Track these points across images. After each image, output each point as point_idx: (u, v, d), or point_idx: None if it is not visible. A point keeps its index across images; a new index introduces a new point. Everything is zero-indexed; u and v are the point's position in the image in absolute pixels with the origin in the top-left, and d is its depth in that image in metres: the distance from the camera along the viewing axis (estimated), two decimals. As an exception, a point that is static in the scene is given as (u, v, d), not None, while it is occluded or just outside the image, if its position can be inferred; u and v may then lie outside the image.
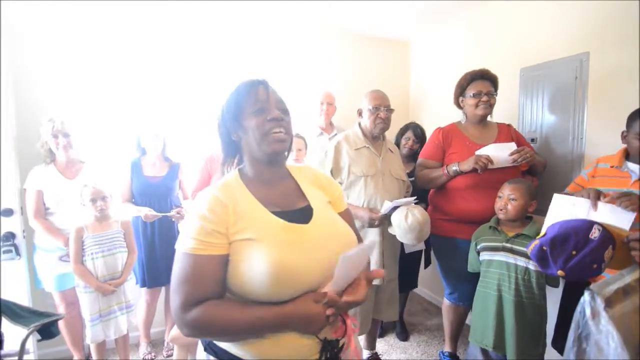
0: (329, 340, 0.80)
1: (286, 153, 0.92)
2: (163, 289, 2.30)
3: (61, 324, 1.96)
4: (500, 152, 1.80)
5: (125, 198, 2.18)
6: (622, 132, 1.50)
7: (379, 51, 3.13)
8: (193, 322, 0.72)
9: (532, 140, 2.14)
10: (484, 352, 1.72)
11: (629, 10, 1.66)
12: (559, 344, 1.62)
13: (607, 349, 0.71)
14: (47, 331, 1.57)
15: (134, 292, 2.07)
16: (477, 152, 1.82)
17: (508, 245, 1.62)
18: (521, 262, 1.58)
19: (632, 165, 1.43)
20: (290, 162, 1.00)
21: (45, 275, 1.98)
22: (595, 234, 0.94)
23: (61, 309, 2.00)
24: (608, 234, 0.95)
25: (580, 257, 0.94)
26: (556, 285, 1.61)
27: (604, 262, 0.93)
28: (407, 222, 1.65)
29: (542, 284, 1.60)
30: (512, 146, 1.81)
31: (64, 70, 2.22)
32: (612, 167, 1.47)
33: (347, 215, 0.99)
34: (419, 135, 2.49)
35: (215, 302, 0.74)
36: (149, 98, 2.43)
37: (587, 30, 1.85)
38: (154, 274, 2.17)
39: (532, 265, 1.56)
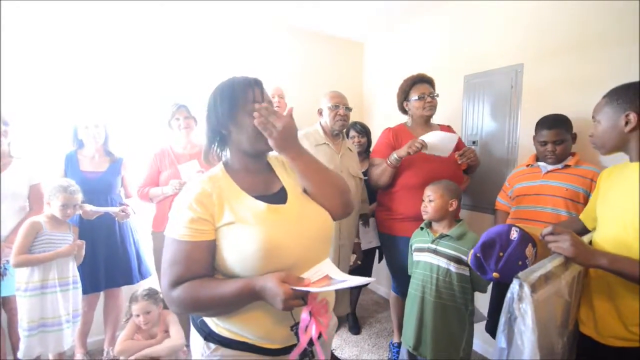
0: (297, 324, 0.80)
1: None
2: (102, 294, 2.13)
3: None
4: (440, 141, 1.81)
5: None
6: (533, 136, 1.79)
7: (333, 50, 3.17)
8: (178, 298, 0.81)
9: (474, 142, 2.32)
10: (410, 354, 1.71)
11: (557, 25, 1.86)
12: (492, 329, 1.79)
13: (524, 329, 0.82)
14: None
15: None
16: (421, 137, 1.81)
17: (433, 246, 1.61)
18: (443, 263, 1.57)
19: (541, 163, 1.77)
20: None
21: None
22: (514, 234, 1.08)
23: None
24: (525, 233, 1.10)
25: (506, 257, 1.07)
26: (484, 291, 1.60)
27: (527, 259, 1.07)
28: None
29: (466, 289, 1.57)
30: (454, 138, 1.84)
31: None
32: (527, 166, 1.82)
33: None
34: (360, 130, 2.61)
35: (198, 280, 0.82)
36: (89, 86, 2.22)
37: (521, 43, 2.03)
38: (92, 278, 1.99)
39: (453, 267, 1.55)
